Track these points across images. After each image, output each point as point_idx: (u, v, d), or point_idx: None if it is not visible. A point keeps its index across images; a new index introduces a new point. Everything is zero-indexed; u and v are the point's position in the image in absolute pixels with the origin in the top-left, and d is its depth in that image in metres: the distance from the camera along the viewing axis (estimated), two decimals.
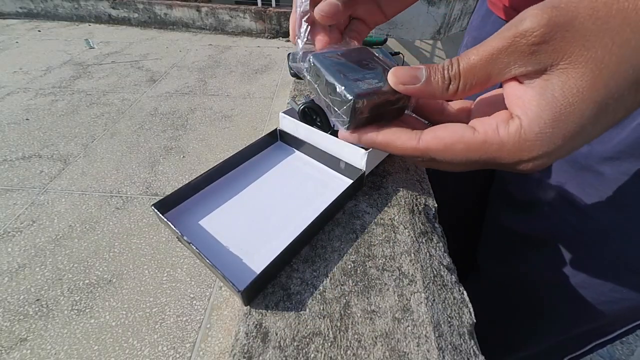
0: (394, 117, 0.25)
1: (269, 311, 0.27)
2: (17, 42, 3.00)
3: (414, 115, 0.26)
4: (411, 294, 0.28)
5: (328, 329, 0.26)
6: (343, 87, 0.22)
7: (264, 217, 0.35)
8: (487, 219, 0.52)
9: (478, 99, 0.25)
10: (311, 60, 0.24)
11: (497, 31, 0.17)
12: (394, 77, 0.21)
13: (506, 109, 0.19)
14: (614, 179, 0.32)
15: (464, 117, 0.24)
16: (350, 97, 0.21)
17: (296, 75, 0.62)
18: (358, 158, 0.37)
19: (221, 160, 0.39)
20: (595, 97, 0.15)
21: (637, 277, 0.33)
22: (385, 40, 0.77)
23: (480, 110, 0.23)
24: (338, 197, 0.34)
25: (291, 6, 0.28)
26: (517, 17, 0.16)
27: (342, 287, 0.29)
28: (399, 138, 0.21)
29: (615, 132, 0.31)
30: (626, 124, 0.30)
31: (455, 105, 0.25)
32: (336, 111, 0.23)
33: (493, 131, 0.18)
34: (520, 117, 0.17)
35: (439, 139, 0.20)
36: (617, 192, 0.32)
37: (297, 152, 0.44)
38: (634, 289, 0.34)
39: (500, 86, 0.20)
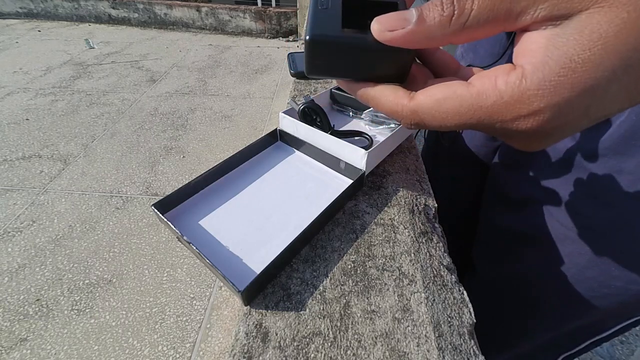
0: (390, 79, 0.21)
1: (269, 311, 0.27)
2: (17, 42, 3.00)
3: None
4: (411, 294, 0.28)
5: (328, 329, 0.26)
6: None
7: (264, 217, 0.35)
8: (481, 218, 0.53)
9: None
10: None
11: None
12: (378, 24, 0.17)
13: None
14: (600, 176, 0.32)
15: None
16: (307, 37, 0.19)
17: (296, 75, 0.62)
18: (358, 158, 0.37)
19: (221, 160, 0.39)
20: (622, 48, 0.12)
21: (624, 272, 0.34)
22: None
23: None
24: (338, 197, 0.34)
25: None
26: None
27: (342, 287, 0.29)
28: (391, 94, 0.19)
29: (601, 130, 0.32)
30: (612, 120, 0.31)
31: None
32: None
33: (491, 83, 0.15)
34: (523, 65, 0.14)
35: (430, 95, 0.17)
36: (604, 189, 0.32)
37: (297, 152, 0.44)
38: (622, 283, 0.35)
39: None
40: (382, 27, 0.16)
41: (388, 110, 0.19)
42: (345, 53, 0.19)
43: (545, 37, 0.14)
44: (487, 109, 0.15)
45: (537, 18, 0.14)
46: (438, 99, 0.17)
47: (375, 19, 0.17)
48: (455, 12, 0.14)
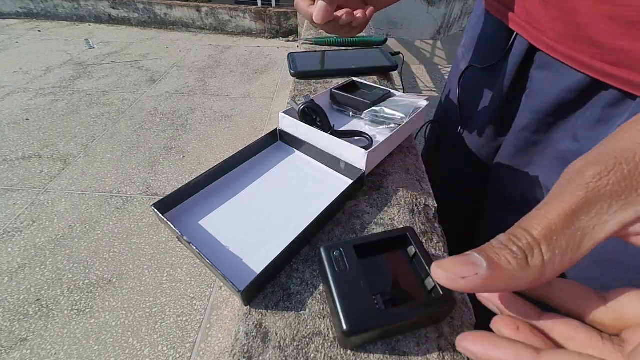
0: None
1: (269, 311, 0.27)
2: (17, 42, 3.00)
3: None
4: None
5: (328, 329, 0.26)
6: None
7: (264, 217, 0.35)
8: (481, 218, 0.53)
9: None
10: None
11: (557, 187, 0.15)
12: (443, 272, 0.15)
13: None
14: None
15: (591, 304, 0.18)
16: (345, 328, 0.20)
17: (296, 75, 0.62)
18: (358, 158, 0.37)
19: (221, 160, 0.39)
20: None
21: (625, 273, 0.34)
22: (385, 40, 0.77)
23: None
24: (338, 197, 0.34)
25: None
26: (571, 172, 0.14)
27: None
28: None
29: (602, 131, 0.32)
30: (613, 122, 0.31)
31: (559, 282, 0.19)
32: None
33: None
34: None
35: None
36: None
37: (297, 152, 0.44)
38: (621, 285, 0.35)
39: None
40: (451, 275, 0.15)
41: None
42: (388, 329, 0.20)
43: None
44: None
45: (624, 220, 0.14)
46: None
47: (436, 265, 0.16)
48: (529, 256, 0.14)
